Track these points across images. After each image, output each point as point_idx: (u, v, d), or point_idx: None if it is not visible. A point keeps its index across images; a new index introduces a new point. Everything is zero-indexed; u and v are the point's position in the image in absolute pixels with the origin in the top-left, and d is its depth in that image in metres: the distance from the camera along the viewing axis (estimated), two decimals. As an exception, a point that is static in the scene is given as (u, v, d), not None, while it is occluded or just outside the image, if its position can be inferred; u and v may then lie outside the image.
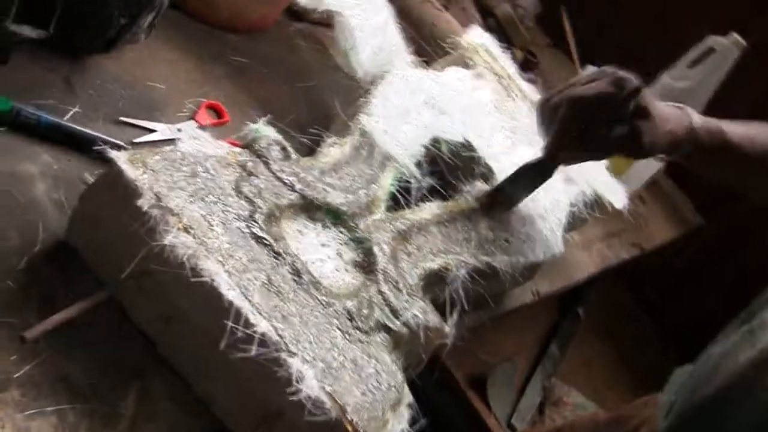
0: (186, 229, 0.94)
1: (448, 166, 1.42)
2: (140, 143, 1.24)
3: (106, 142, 1.13)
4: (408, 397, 1.05)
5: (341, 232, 1.15)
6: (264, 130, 1.17)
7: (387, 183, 1.27)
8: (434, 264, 1.21)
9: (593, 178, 1.60)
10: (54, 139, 1.14)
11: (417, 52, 1.65)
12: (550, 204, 1.48)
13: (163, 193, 0.95)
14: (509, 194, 1.40)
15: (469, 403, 2.09)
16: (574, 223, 1.58)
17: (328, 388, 0.92)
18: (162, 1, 1.27)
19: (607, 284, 2.84)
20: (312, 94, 1.62)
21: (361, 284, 1.10)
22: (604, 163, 1.69)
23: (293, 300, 0.98)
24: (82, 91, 1.25)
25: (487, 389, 2.16)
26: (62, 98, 1.21)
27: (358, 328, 1.02)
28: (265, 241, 1.02)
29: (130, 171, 0.96)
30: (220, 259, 0.94)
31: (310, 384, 0.90)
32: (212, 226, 0.97)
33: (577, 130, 1.28)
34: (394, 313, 1.08)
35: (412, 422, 1.03)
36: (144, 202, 0.93)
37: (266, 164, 1.12)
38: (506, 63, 1.71)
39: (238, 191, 1.05)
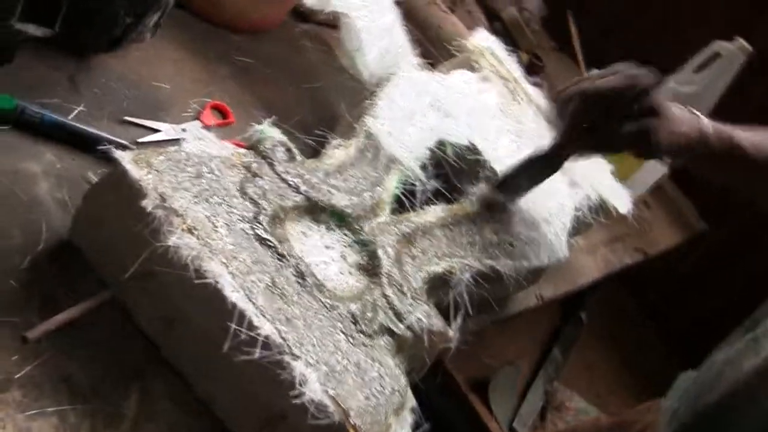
0: (190, 230, 0.93)
1: (453, 169, 1.42)
2: (144, 143, 1.23)
3: (110, 142, 1.12)
4: (411, 401, 1.04)
5: (345, 235, 1.15)
6: (269, 132, 1.16)
7: (392, 186, 1.26)
8: (438, 267, 1.21)
9: (598, 183, 1.60)
10: (58, 138, 1.14)
11: (423, 54, 1.64)
12: (555, 208, 1.48)
13: (167, 194, 0.95)
14: (514, 184, 1.39)
15: (470, 407, 2.09)
16: (578, 227, 1.57)
17: (331, 392, 0.91)
18: (168, 1, 1.27)
19: (610, 289, 2.83)
20: (317, 96, 1.61)
21: (365, 287, 1.09)
22: (609, 167, 1.68)
23: (297, 302, 0.98)
24: (86, 90, 1.24)
25: (488, 393, 2.15)
26: (67, 97, 1.20)
27: (361, 332, 1.02)
28: (269, 243, 1.01)
29: (135, 171, 0.95)
30: (224, 260, 0.94)
31: (314, 387, 0.90)
32: (216, 227, 0.97)
33: (587, 124, 1.28)
34: (398, 316, 1.08)
35: (415, 426, 1.03)
36: (148, 203, 0.93)
37: (271, 165, 1.12)
38: (512, 66, 1.70)
39: (243, 192, 1.04)
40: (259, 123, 1.17)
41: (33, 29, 1.13)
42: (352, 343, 1.00)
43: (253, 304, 0.92)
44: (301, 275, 1.01)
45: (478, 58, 1.64)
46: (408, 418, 1.02)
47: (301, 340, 0.93)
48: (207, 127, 1.32)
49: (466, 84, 1.57)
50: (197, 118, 1.35)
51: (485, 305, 1.32)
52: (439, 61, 1.74)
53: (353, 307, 1.04)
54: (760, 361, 1.19)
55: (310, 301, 1.00)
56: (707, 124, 1.31)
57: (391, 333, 1.06)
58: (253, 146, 1.14)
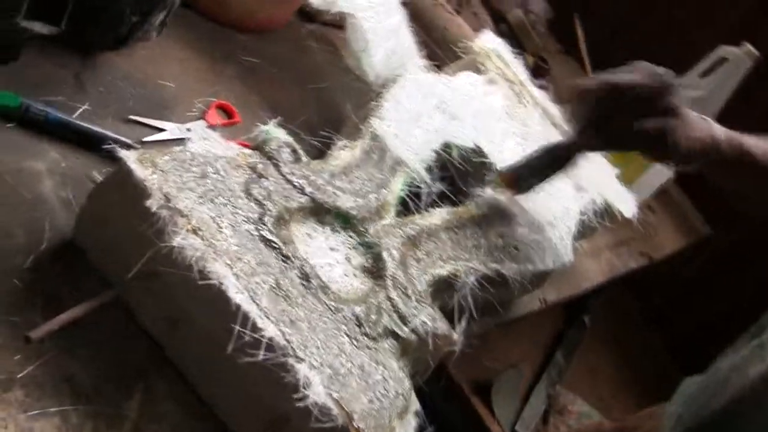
0: (195, 231, 0.93)
1: (458, 172, 1.41)
2: (149, 142, 1.23)
3: (115, 141, 1.12)
4: (415, 404, 1.04)
5: (350, 237, 1.15)
6: (274, 132, 1.16)
7: (397, 188, 1.26)
8: (443, 270, 1.20)
9: (603, 187, 1.59)
10: (62, 137, 1.13)
11: (429, 56, 1.64)
12: (560, 212, 1.47)
13: (172, 194, 0.94)
14: (528, 175, 1.38)
15: (473, 410, 2.08)
16: (583, 231, 1.57)
17: (335, 395, 0.91)
18: (174, 0, 1.26)
19: (614, 292, 2.82)
20: (323, 96, 1.61)
21: (369, 290, 1.09)
22: (614, 171, 1.68)
23: (301, 305, 0.97)
24: (92, 88, 1.24)
25: (491, 396, 2.15)
26: (72, 95, 1.20)
27: (366, 334, 1.01)
28: (274, 245, 1.01)
29: (140, 171, 0.95)
30: (229, 262, 0.93)
31: (317, 390, 0.89)
32: (221, 228, 0.97)
33: (606, 118, 1.27)
34: (403, 319, 1.07)
35: (419, 430, 1.03)
36: (153, 203, 0.92)
37: (276, 166, 1.11)
38: (518, 69, 1.70)
39: (248, 193, 1.04)
40: (265, 123, 1.17)
41: (39, 27, 1.12)
42: (356, 346, 0.99)
43: (257, 305, 0.92)
44: (305, 277, 1.01)
45: (484, 60, 1.63)
46: (412, 422, 1.02)
47: (305, 343, 0.93)
48: (212, 127, 1.31)
49: (472, 86, 1.57)
50: (202, 117, 1.34)
51: (489, 308, 1.32)
52: (445, 62, 1.73)
53: (358, 309, 1.03)
54: (766, 367, 1.19)
55: (315, 303, 0.99)
56: (719, 130, 1.31)
57: (395, 336, 1.05)
58: (259, 147, 1.14)
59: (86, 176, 1.11)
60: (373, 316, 1.04)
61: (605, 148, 1.38)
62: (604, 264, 2.01)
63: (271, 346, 0.89)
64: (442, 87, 1.49)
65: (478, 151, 1.44)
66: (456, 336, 1.13)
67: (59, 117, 1.13)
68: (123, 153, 0.96)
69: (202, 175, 1.01)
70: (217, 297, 0.90)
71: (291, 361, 0.90)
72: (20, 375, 0.88)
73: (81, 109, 1.18)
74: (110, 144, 1.00)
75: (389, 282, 1.11)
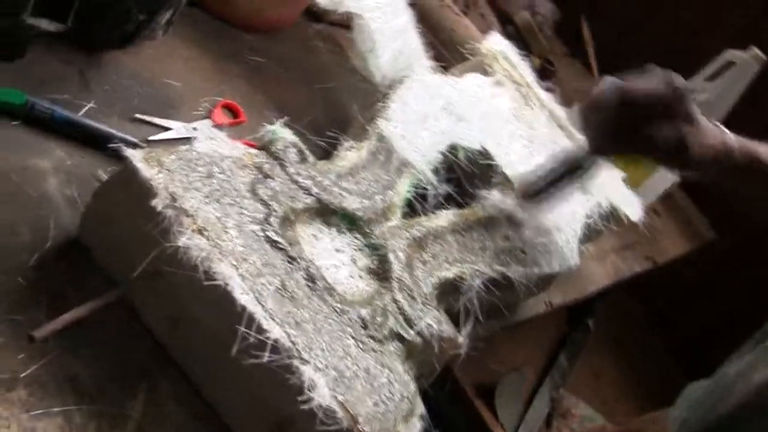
0: (200, 231, 0.93)
1: (465, 174, 1.41)
2: (155, 141, 1.22)
3: (121, 140, 1.12)
4: (420, 407, 1.03)
5: (356, 238, 1.14)
6: (281, 132, 1.15)
7: (403, 189, 1.25)
8: (449, 273, 1.20)
9: (609, 190, 1.59)
10: (68, 135, 1.13)
11: (435, 57, 1.63)
12: (567, 215, 1.47)
13: (178, 194, 0.94)
14: (543, 185, 1.37)
15: (476, 413, 2.07)
16: (590, 234, 1.56)
17: (340, 398, 0.90)
18: (181, -2, 1.26)
19: (618, 296, 2.82)
20: (329, 97, 1.60)
21: (375, 292, 1.08)
22: (620, 175, 1.67)
23: (307, 306, 0.97)
24: (98, 86, 1.23)
25: (495, 399, 2.14)
26: (78, 93, 1.19)
27: (371, 337, 1.01)
28: (280, 245, 1.00)
29: (145, 170, 0.94)
30: (234, 262, 0.93)
31: (322, 393, 0.89)
32: (227, 228, 0.96)
33: (622, 125, 1.26)
34: (408, 322, 1.07)
35: (424, 433, 1.02)
36: (158, 202, 0.92)
37: (283, 167, 1.11)
38: (525, 71, 1.70)
39: (254, 193, 1.03)
40: (271, 123, 1.17)
41: (45, 24, 1.12)
42: (361, 348, 0.99)
43: (263, 307, 0.91)
44: (311, 278, 1.00)
45: (491, 62, 1.63)
46: (417, 425, 1.01)
47: (310, 345, 0.92)
48: (218, 126, 1.31)
49: (479, 88, 1.56)
50: (208, 116, 1.34)
51: (495, 311, 1.31)
52: (452, 64, 1.73)
53: (363, 311, 1.03)
54: (772, 372, 1.19)
55: (320, 304, 0.99)
56: (731, 137, 1.30)
57: (401, 339, 1.05)
58: (265, 147, 1.13)
59: (92, 175, 1.11)
60: (379, 319, 1.04)
61: (619, 155, 1.36)
62: (609, 267, 2.00)
63: (276, 347, 0.89)
64: (449, 88, 1.49)
65: (485, 153, 1.43)
66: (461, 339, 1.13)
67: (65, 115, 1.13)
68: (129, 152, 0.96)
69: (208, 174, 1.00)
70: (223, 298, 0.90)
71: (296, 363, 0.89)
72: (23, 374, 0.87)
73: (87, 107, 1.18)
74: (116, 143, 1.00)
75: (395, 284, 1.10)
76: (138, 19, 1.20)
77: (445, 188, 1.32)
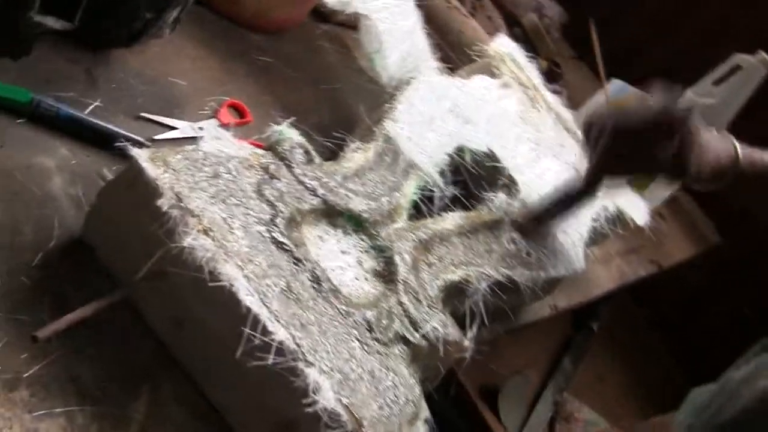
0: (206, 232, 0.92)
1: (471, 176, 1.40)
2: (160, 140, 1.22)
3: (126, 138, 1.11)
4: (425, 411, 1.03)
5: (362, 240, 1.13)
6: (287, 133, 1.15)
7: (410, 191, 1.25)
8: (455, 276, 1.19)
9: (615, 193, 1.58)
10: (73, 133, 1.13)
11: (443, 58, 1.63)
12: (573, 218, 1.46)
13: (183, 194, 0.93)
14: (550, 214, 1.38)
15: (480, 416, 2.07)
16: (595, 238, 1.56)
17: (344, 401, 0.90)
18: (188, -3, 1.26)
19: (623, 300, 2.82)
20: (336, 97, 1.60)
21: (380, 294, 1.08)
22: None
23: (312, 308, 0.96)
24: (104, 84, 1.23)
25: (498, 402, 2.14)
26: (83, 91, 1.19)
27: (376, 340, 1.00)
28: (286, 247, 1.00)
29: (151, 170, 0.94)
30: (240, 263, 0.92)
31: (327, 395, 0.88)
32: (232, 229, 0.95)
33: (621, 153, 1.26)
34: (414, 325, 1.06)
35: (428, 437, 1.02)
36: (164, 202, 0.91)
37: (289, 167, 1.10)
38: (532, 73, 1.69)
39: (260, 194, 1.03)
40: (277, 123, 1.16)
41: (52, 22, 1.11)
42: (366, 351, 0.98)
43: (268, 308, 0.90)
44: (316, 280, 1.00)
45: (499, 64, 1.62)
46: (421, 429, 1.01)
47: (315, 347, 0.91)
48: (224, 126, 1.30)
49: (486, 90, 1.56)
50: (214, 116, 1.33)
51: (500, 315, 1.31)
52: (459, 66, 1.72)
53: (369, 314, 1.02)
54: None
55: (326, 306, 0.98)
56: (737, 146, 1.30)
57: (406, 341, 1.04)
58: (272, 147, 1.12)
59: (97, 174, 1.10)
60: (384, 321, 1.03)
61: (624, 177, 1.36)
62: (614, 271, 2.00)
63: (281, 349, 0.88)
64: (456, 90, 1.48)
65: (491, 156, 1.43)
66: (467, 342, 1.12)
67: (70, 113, 1.12)
68: (134, 151, 0.95)
69: (214, 174, 1.00)
70: (228, 299, 0.89)
71: (301, 365, 0.89)
72: (26, 374, 0.87)
73: (92, 106, 1.18)
74: (121, 141, 0.99)
75: (401, 286, 1.09)
76: (145, 18, 1.20)
77: (451, 190, 1.31)
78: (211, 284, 0.89)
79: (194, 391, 0.98)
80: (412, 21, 1.56)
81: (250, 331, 0.88)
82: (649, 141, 1.23)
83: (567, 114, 1.70)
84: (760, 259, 3.01)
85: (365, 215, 1.14)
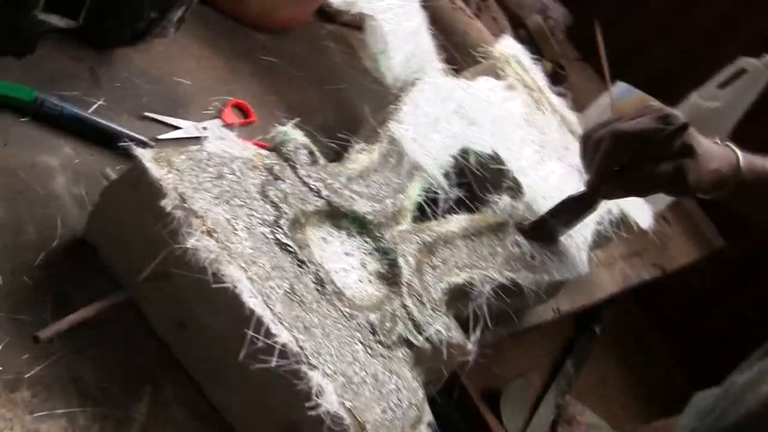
0: (209, 233, 0.91)
1: (475, 178, 1.40)
2: (164, 140, 1.22)
3: (130, 138, 1.11)
4: (428, 415, 1.02)
5: (366, 242, 1.13)
6: (292, 133, 1.14)
7: (414, 193, 1.24)
8: (459, 278, 1.18)
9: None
10: (77, 132, 1.12)
11: (447, 60, 1.62)
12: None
13: (187, 194, 0.93)
14: (551, 227, 1.38)
15: (481, 418, 2.06)
16: (599, 241, 1.56)
17: (347, 404, 0.89)
18: (193, -4, 1.25)
19: (625, 303, 2.81)
20: (341, 98, 1.60)
21: (384, 297, 1.07)
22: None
23: (316, 310, 0.95)
24: (108, 83, 1.22)
25: (500, 405, 2.13)
26: (87, 90, 1.19)
27: (380, 342, 1.00)
28: (290, 248, 0.99)
29: (155, 170, 0.93)
30: (243, 265, 0.91)
31: (330, 399, 0.87)
32: (236, 230, 0.95)
33: (619, 166, 1.26)
34: (417, 328, 1.06)
35: (431, 440, 1.01)
36: (168, 203, 0.91)
37: (293, 168, 1.10)
38: (537, 75, 1.69)
39: (264, 195, 1.02)
40: (282, 124, 1.16)
41: (56, 20, 1.11)
42: (370, 354, 0.97)
43: (271, 310, 0.90)
44: (320, 282, 0.99)
45: (504, 65, 1.62)
46: (424, 433, 1.00)
47: (318, 350, 0.91)
48: (228, 126, 1.30)
49: (491, 92, 1.55)
50: (218, 116, 1.33)
51: (504, 318, 1.30)
52: (464, 67, 1.72)
53: (372, 316, 1.01)
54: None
55: (329, 309, 0.98)
56: (741, 158, 1.29)
57: (409, 345, 1.03)
58: (276, 148, 1.12)
59: (100, 173, 1.10)
60: (388, 324, 1.02)
61: (626, 196, 1.36)
62: (617, 274, 1.99)
63: (284, 352, 0.87)
64: (461, 92, 1.48)
65: (496, 158, 1.43)
66: (470, 346, 1.12)
67: (74, 112, 1.12)
68: (138, 151, 0.94)
69: (218, 175, 0.99)
70: (231, 301, 0.88)
71: (304, 368, 0.88)
72: (28, 375, 0.86)
73: (96, 105, 1.17)
74: (125, 141, 0.98)
75: (404, 289, 1.09)
76: (150, 17, 1.19)
77: (455, 193, 1.31)
78: (214, 286, 0.88)
79: (196, 393, 0.97)
80: (417, 22, 1.55)
81: (253, 333, 0.87)
82: (645, 152, 1.23)
83: (572, 116, 1.70)
84: (763, 262, 3.01)
85: (369, 217, 1.14)
